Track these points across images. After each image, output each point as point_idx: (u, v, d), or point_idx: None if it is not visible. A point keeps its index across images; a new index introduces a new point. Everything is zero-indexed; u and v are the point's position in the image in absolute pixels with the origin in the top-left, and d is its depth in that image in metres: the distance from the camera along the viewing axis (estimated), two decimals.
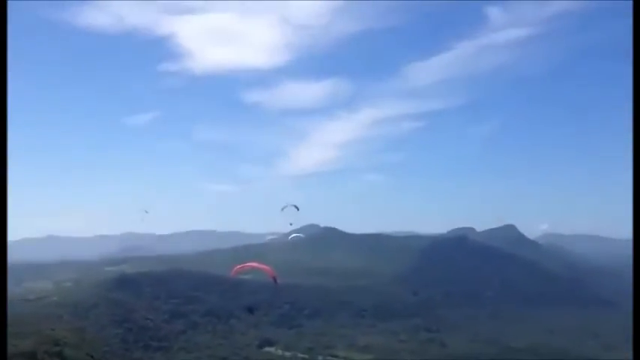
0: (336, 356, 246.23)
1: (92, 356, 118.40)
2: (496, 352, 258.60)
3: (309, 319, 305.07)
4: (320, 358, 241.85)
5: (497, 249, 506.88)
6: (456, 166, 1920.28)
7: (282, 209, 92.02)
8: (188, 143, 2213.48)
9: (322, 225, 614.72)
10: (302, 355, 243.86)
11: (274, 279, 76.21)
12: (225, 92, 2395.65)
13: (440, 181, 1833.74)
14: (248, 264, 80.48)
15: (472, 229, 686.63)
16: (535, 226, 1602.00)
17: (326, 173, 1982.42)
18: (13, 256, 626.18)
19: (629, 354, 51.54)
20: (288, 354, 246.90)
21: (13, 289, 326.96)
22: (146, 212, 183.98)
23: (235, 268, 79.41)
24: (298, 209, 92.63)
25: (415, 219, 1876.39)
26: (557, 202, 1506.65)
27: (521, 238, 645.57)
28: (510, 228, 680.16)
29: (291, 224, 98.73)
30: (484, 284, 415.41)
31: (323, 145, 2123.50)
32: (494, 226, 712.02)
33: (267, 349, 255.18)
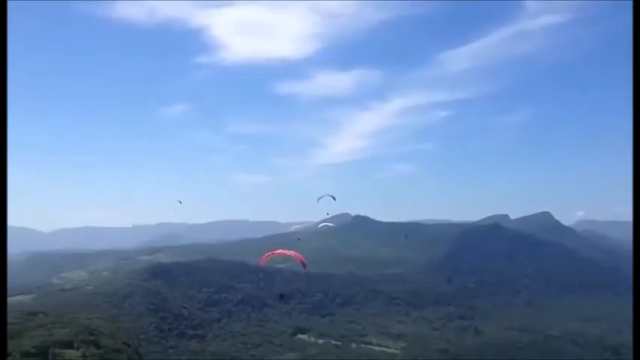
0: (369, 344, 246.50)
1: (128, 345, 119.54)
2: (531, 340, 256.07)
3: (341, 307, 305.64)
4: (353, 345, 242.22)
5: (532, 236, 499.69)
6: (489, 154, 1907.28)
7: (319, 200, 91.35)
8: (221, 134, 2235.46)
9: (353, 214, 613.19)
10: (335, 343, 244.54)
11: (303, 264, 76.00)
12: (257, 83, 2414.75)
13: (472, 169, 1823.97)
14: (277, 251, 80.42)
15: (506, 217, 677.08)
16: (571, 213, 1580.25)
17: (357, 162, 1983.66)
18: (50, 246, 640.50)
19: None
20: (321, 341, 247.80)
21: (50, 278, 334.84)
22: (180, 202, 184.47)
23: (264, 256, 79.50)
24: (335, 199, 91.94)
25: (447, 207, 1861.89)
26: (593, 188, 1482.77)
27: (557, 225, 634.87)
28: (546, 215, 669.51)
29: (327, 214, 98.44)
30: (519, 272, 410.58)
31: (354, 134, 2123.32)
32: (529, 213, 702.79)
33: (300, 336, 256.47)
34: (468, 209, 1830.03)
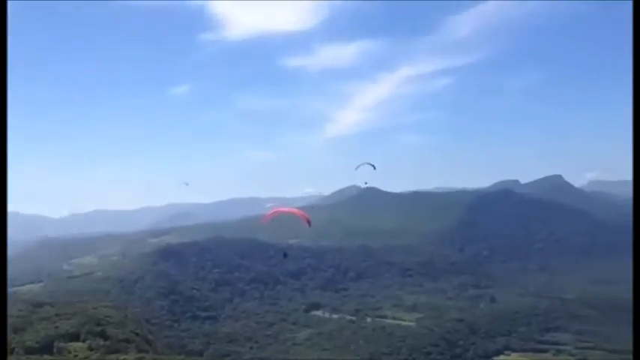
0: (384, 317, 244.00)
1: (137, 333, 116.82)
2: (547, 305, 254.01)
3: (354, 281, 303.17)
4: (368, 319, 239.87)
5: (543, 200, 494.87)
6: (496, 119, 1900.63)
7: (357, 168, 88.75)
8: (229, 112, 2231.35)
9: (363, 186, 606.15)
10: (350, 318, 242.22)
11: (308, 221, 72.71)
12: (263, 58, 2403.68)
13: (480, 135, 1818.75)
14: (280, 209, 77.52)
15: (516, 182, 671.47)
16: (581, 174, 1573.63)
17: (365, 134, 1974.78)
18: (61, 232, 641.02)
19: None
20: (335, 317, 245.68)
21: (61, 265, 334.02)
22: (186, 185, 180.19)
23: (267, 215, 76.89)
24: (375, 168, 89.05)
25: (457, 175, 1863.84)
26: (602, 149, 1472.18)
27: (567, 188, 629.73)
28: (556, 178, 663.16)
29: (366, 183, 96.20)
30: (532, 237, 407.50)
31: (362, 106, 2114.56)
32: (539, 176, 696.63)
33: (314, 312, 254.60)
34: (478, 176, 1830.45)
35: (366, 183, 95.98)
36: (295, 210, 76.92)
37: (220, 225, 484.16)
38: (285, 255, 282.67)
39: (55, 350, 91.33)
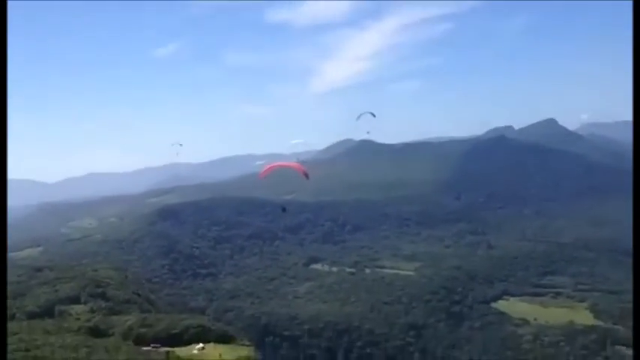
0: (383, 267, 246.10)
1: (138, 294, 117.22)
2: (544, 249, 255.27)
3: (352, 233, 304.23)
4: (367, 271, 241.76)
5: (538, 145, 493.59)
6: (488, 67, 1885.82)
7: (358, 118, 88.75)
8: (218, 69, 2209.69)
9: (357, 139, 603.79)
10: (349, 270, 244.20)
11: (306, 175, 72.52)
12: (249, 14, 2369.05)
13: (473, 82, 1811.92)
14: (277, 164, 77.18)
15: (510, 128, 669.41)
16: (575, 117, 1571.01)
17: (358, 85, 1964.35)
18: (56, 196, 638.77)
19: None
20: (335, 269, 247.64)
21: (59, 229, 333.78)
22: (180, 145, 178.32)
23: (264, 170, 76.65)
24: (375, 116, 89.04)
25: (450, 124, 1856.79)
26: (596, 90, 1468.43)
27: (562, 131, 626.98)
28: (550, 122, 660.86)
29: (368, 133, 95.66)
30: (527, 182, 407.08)
31: (353, 57, 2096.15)
32: (533, 121, 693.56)
33: (314, 266, 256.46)
34: (472, 124, 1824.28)
35: (368, 132, 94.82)
36: (292, 164, 76.32)
37: (217, 184, 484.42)
38: (283, 209, 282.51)
39: (56, 313, 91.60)
